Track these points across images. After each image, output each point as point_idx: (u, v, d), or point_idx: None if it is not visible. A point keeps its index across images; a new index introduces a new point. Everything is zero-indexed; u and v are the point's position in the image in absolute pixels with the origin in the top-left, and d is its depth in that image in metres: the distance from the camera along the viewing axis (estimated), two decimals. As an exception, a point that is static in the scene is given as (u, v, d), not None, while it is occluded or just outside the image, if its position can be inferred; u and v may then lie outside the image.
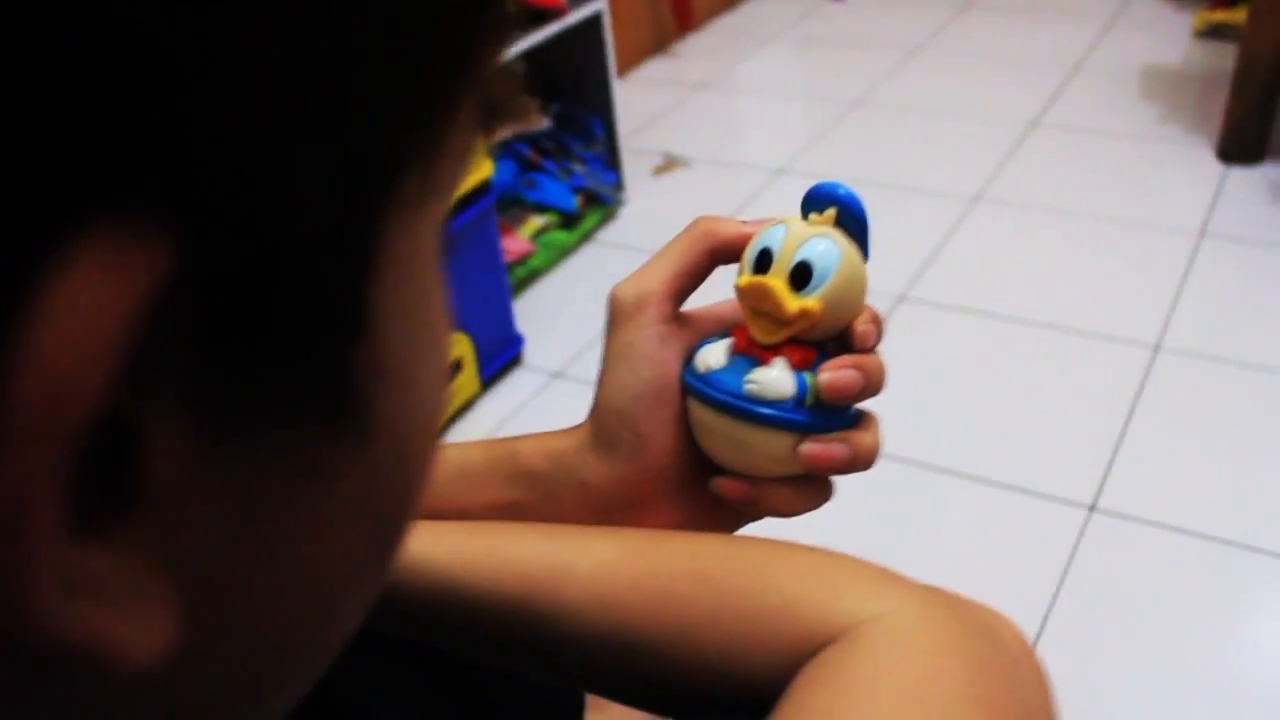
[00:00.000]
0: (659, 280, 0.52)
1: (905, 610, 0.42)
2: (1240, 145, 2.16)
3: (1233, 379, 1.62)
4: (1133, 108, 2.47)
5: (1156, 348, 1.68)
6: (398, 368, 0.22)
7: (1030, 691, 0.43)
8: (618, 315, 0.52)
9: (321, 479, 0.21)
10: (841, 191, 0.50)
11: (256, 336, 0.18)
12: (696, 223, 0.53)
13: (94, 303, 0.15)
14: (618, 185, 2.22)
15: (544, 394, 1.73)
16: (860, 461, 0.50)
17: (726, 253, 0.52)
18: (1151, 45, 2.77)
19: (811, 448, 0.49)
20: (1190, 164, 2.21)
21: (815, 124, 2.53)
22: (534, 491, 0.53)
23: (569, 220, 2.12)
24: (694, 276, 0.53)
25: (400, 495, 0.25)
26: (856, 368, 0.49)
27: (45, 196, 0.15)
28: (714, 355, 0.51)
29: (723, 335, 0.53)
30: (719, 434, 0.51)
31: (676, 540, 0.49)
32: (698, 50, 3.01)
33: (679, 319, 0.53)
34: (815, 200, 0.51)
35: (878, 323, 0.51)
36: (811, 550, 0.47)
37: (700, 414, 0.52)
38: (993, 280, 1.87)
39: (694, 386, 0.51)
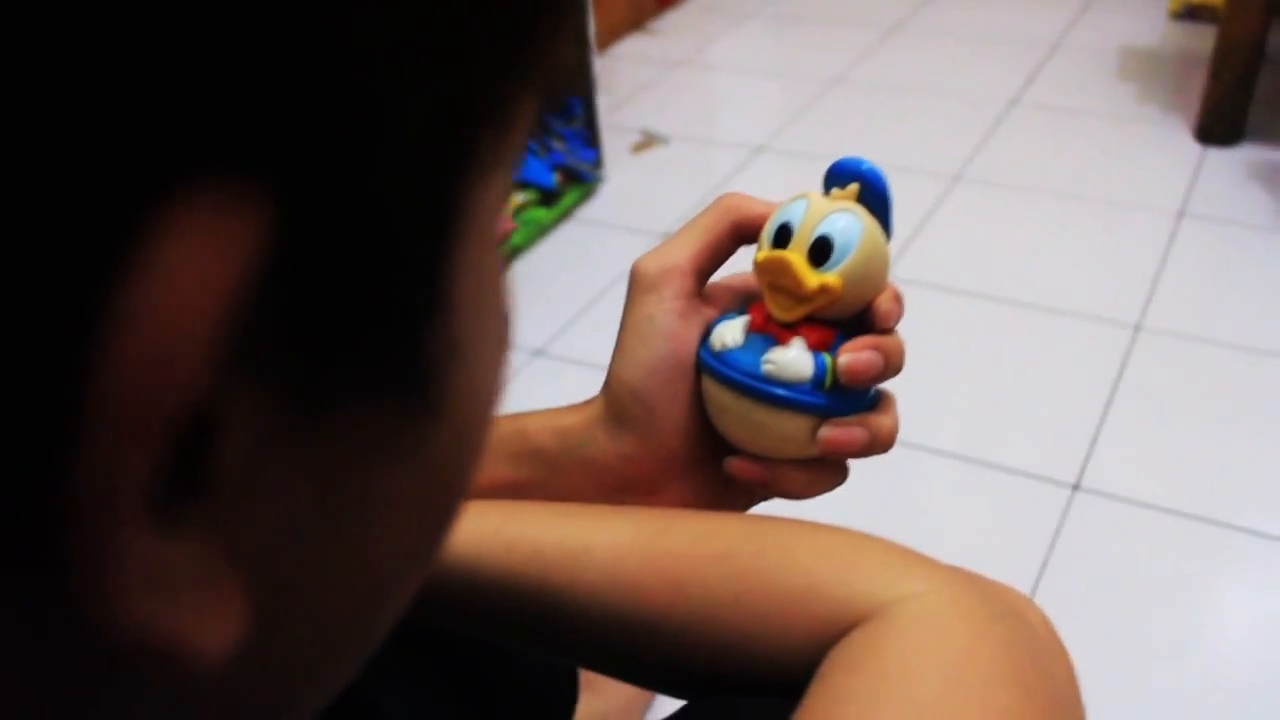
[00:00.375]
0: (683, 254, 0.51)
1: (934, 591, 0.42)
2: (1218, 126, 2.17)
3: (1213, 359, 1.62)
4: (1111, 88, 2.48)
5: (1137, 327, 1.69)
6: (466, 344, 0.21)
7: (1058, 671, 0.43)
8: (638, 288, 0.51)
9: (387, 462, 0.21)
10: (865, 167, 0.50)
11: (341, 310, 0.17)
12: (722, 199, 0.52)
13: (197, 270, 0.14)
14: (597, 162, 2.20)
15: (525, 372, 1.72)
16: (878, 445, 0.50)
17: (751, 229, 0.51)
18: (1128, 26, 2.77)
19: (830, 432, 0.49)
20: (1168, 145, 2.21)
21: (794, 102, 2.53)
22: (542, 469, 0.52)
23: (548, 197, 2.11)
24: (718, 253, 0.52)
25: (457, 480, 0.24)
26: (876, 349, 0.49)
27: (152, 147, 0.14)
28: (730, 333, 0.51)
29: (739, 312, 0.52)
30: (734, 414, 0.50)
31: (695, 520, 0.48)
32: (676, 27, 3.00)
33: (700, 295, 0.52)
34: (837, 175, 0.50)
35: (899, 301, 0.50)
36: (833, 530, 0.46)
37: (715, 393, 0.51)
38: (974, 259, 1.87)
39: (710, 365, 0.51)
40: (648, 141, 2.40)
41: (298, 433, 0.18)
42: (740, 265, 0.54)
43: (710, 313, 0.52)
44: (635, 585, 0.45)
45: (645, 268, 0.51)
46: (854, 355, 0.48)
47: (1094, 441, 1.48)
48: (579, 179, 2.17)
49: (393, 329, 0.19)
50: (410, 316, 0.19)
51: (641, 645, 0.45)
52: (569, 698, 0.87)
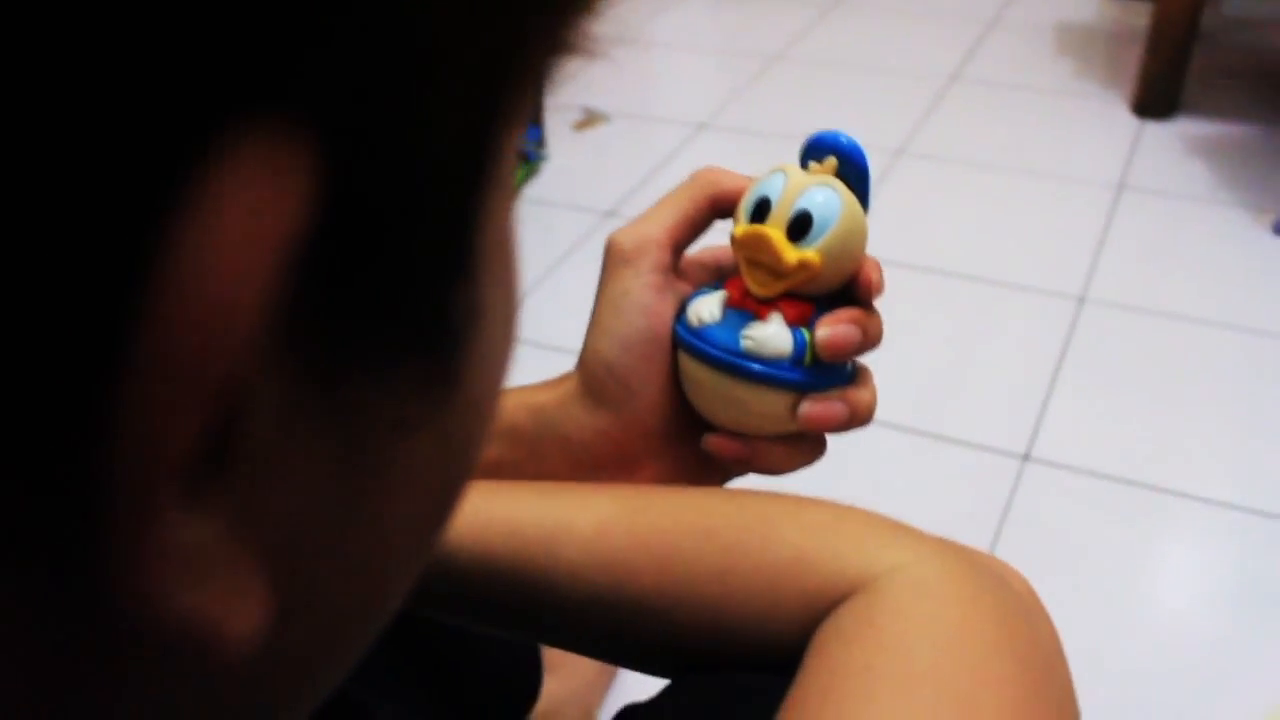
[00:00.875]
0: (659, 228, 0.50)
1: (923, 561, 0.42)
2: (1155, 100, 2.20)
3: (1156, 329, 1.65)
4: (1049, 63, 2.50)
5: (1081, 299, 1.71)
6: (484, 307, 0.20)
7: (1046, 638, 0.43)
8: (614, 261, 0.50)
9: (406, 433, 0.20)
10: (843, 140, 0.49)
11: (377, 269, 0.16)
12: (699, 173, 0.52)
13: (249, 220, 0.13)
14: (539, 141, 2.18)
15: (474, 353, 1.70)
16: (858, 419, 0.50)
17: (728, 203, 0.51)
18: (1064, 2, 2.80)
19: (810, 408, 0.48)
20: (1106, 119, 2.24)
21: (735, 78, 2.52)
22: (516, 448, 0.51)
23: (492, 176, 2.09)
24: (694, 226, 0.51)
25: (466, 455, 0.23)
26: (854, 323, 0.48)
27: (200, 85, 0.13)
28: (707, 308, 0.50)
29: (715, 287, 0.51)
30: (712, 391, 0.50)
31: (677, 496, 0.48)
32: (616, 3, 2.97)
33: (676, 270, 0.52)
34: (815, 149, 0.50)
35: (879, 275, 0.50)
36: (817, 502, 0.46)
37: (693, 369, 0.50)
38: (919, 234, 1.88)
39: (687, 341, 0.50)
40: (589, 120, 2.39)
41: (323, 402, 0.17)
42: (712, 239, 0.53)
43: (685, 287, 0.52)
44: (618, 564, 0.45)
45: (621, 241, 0.50)
46: (833, 330, 0.48)
47: (1042, 412, 1.49)
48: (522, 158, 2.15)
49: (424, 288, 0.18)
50: (441, 275, 0.18)
51: (626, 625, 0.45)
52: (534, 681, 0.87)
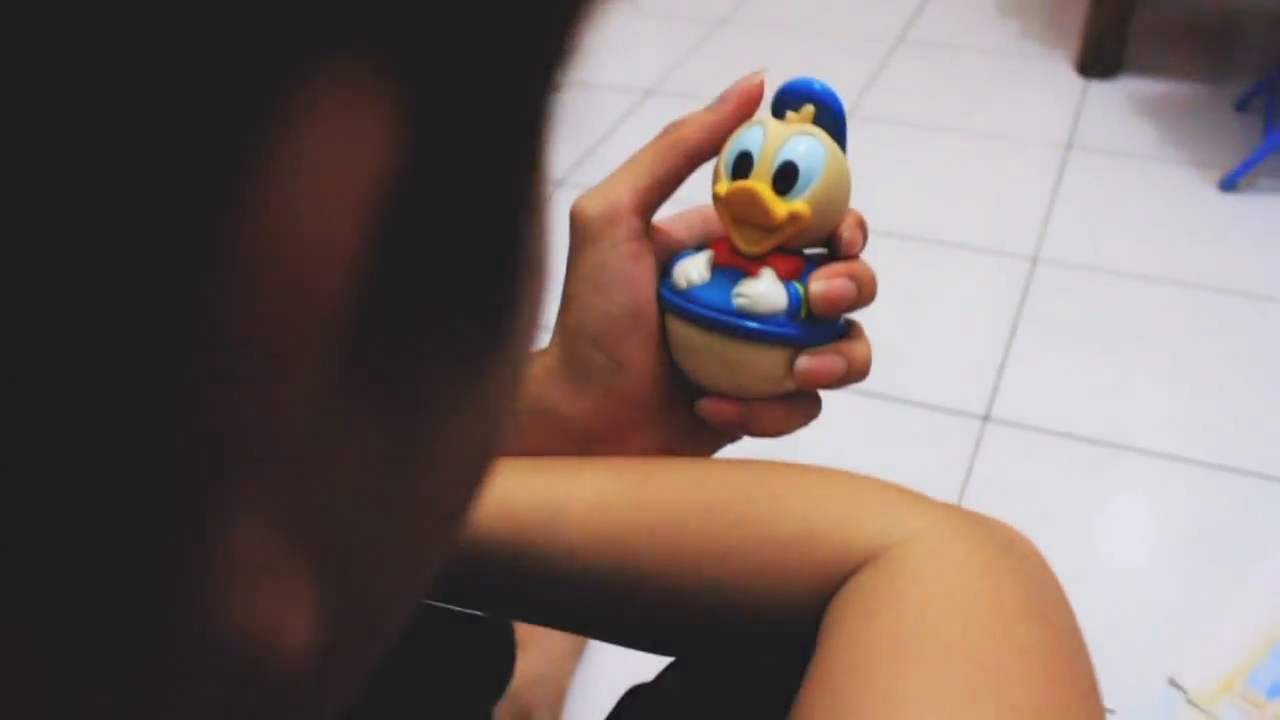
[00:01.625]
0: (627, 192, 0.48)
1: (937, 528, 0.40)
2: (1099, 59, 2.21)
3: (1107, 286, 1.66)
4: (993, 24, 2.50)
5: (1034, 259, 1.71)
6: (528, 271, 0.18)
7: (1060, 599, 0.42)
8: (583, 233, 0.48)
9: (448, 414, 0.18)
10: (817, 86, 0.47)
11: (439, 239, 0.14)
12: (666, 130, 0.49)
13: (335, 174, 0.11)
14: (484, 110, 2.15)
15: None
16: (855, 373, 0.48)
17: (702, 155, 0.48)
18: (1005, -38, 2.80)
19: (808, 362, 0.47)
20: (1051, 79, 2.25)
21: (681, 44, 2.50)
22: None
23: (437, 147, 2.05)
24: (665, 187, 0.49)
25: (501, 430, 0.21)
26: (848, 275, 0.47)
27: (279, 13, 0.10)
28: (695, 269, 0.48)
29: (698, 248, 0.49)
30: (705, 353, 0.48)
31: (677, 467, 0.46)
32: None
33: (648, 234, 0.49)
34: (788, 98, 0.48)
35: (863, 227, 0.48)
36: (822, 470, 0.45)
37: (683, 333, 0.48)
38: (869, 197, 1.86)
39: (676, 304, 0.48)
40: (534, 88, 2.36)
41: (373, 381, 0.15)
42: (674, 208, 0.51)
43: (660, 251, 0.50)
44: (619, 541, 0.43)
45: (588, 210, 0.47)
46: (828, 282, 0.46)
47: (1000, 372, 1.49)
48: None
49: (479, 256, 0.16)
50: (495, 241, 0.16)
51: (629, 604, 0.43)
52: (508, 662, 0.85)
